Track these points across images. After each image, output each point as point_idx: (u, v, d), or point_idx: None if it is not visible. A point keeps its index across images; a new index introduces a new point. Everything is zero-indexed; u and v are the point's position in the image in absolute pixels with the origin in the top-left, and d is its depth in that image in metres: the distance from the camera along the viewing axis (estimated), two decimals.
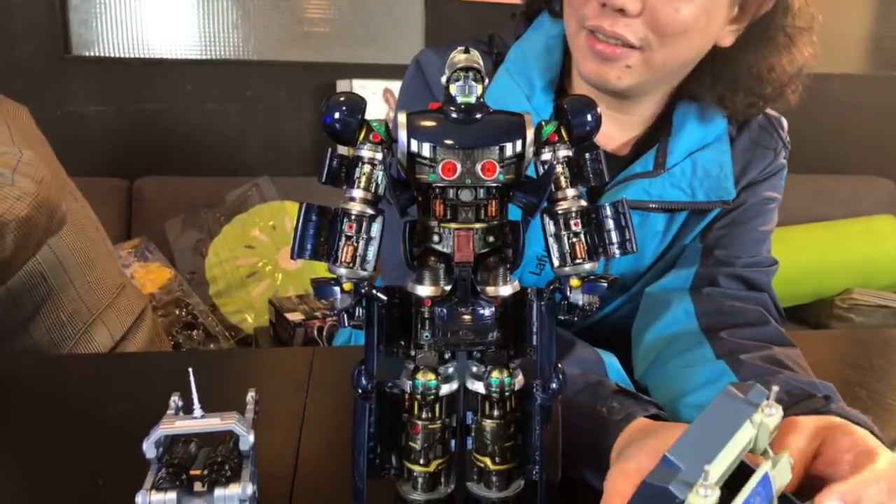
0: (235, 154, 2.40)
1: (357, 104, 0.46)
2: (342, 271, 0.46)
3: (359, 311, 0.47)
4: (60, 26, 2.23)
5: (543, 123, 0.47)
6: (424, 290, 0.47)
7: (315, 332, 1.63)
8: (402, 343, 0.49)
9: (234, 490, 0.47)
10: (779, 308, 0.82)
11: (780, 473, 0.40)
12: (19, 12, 2.21)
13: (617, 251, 0.47)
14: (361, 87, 2.24)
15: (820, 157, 2.49)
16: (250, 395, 0.57)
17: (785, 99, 0.84)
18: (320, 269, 0.52)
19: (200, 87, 2.36)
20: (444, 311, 0.47)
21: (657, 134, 0.85)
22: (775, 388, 0.39)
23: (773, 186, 0.87)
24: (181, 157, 2.33)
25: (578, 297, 0.46)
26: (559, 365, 0.48)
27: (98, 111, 2.29)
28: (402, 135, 0.45)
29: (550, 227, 0.47)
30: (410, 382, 0.48)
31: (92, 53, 2.29)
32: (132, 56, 2.31)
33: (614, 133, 0.86)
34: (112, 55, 2.30)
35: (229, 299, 2.04)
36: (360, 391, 0.49)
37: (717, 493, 0.34)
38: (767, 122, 0.88)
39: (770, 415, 0.39)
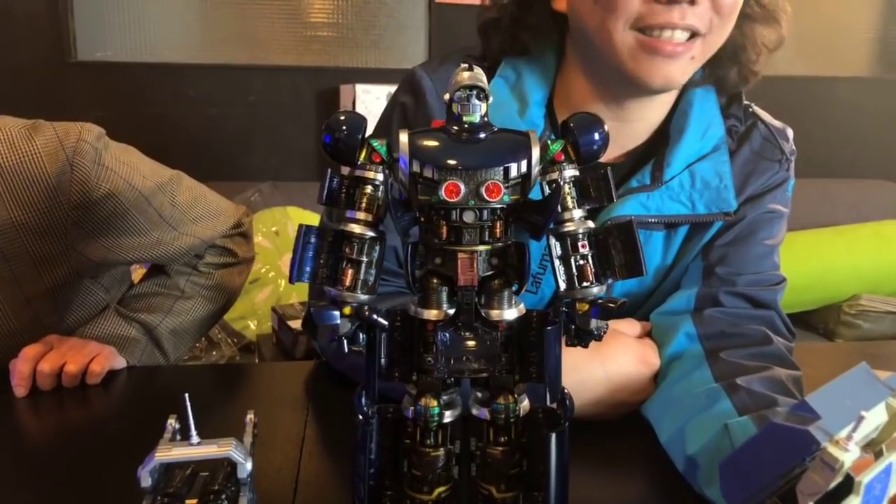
0: (238, 159, 2.39)
1: (358, 123, 0.45)
2: (342, 295, 0.45)
3: (360, 337, 0.45)
4: (64, 31, 2.23)
5: (549, 142, 0.46)
6: (427, 314, 0.46)
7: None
8: (404, 367, 0.48)
9: None
10: (788, 325, 0.80)
11: None
12: (22, 17, 2.21)
13: (626, 273, 0.46)
14: (365, 91, 2.23)
15: (827, 162, 2.47)
16: (249, 418, 0.56)
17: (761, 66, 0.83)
18: None
19: (203, 92, 2.35)
20: (447, 336, 0.46)
21: (655, 146, 0.83)
22: None
23: (778, 199, 0.84)
24: (183, 162, 2.29)
25: (586, 322, 0.45)
26: (566, 390, 0.47)
27: (101, 116, 2.26)
28: (404, 155, 0.44)
29: (557, 249, 0.46)
30: (412, 408, 0.47)
31: (95, 58, 2.28)
32: (135, 61, 2.30)
33: (614, 145, 0.83)
34: (115, 60, 2.29)
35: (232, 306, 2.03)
36: (360, 417, 0.47)
37: (858, 452, 0.34)
38: (770, 133, 0.85)
39: None
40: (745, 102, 0.85)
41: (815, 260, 2.11)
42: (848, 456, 0.34)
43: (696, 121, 0.82)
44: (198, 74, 2.34)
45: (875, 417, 0.38)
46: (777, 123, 0.87)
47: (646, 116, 0.82)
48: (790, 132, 0.87)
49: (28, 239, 0.83)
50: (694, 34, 0.72)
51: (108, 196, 0.86)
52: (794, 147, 0.87)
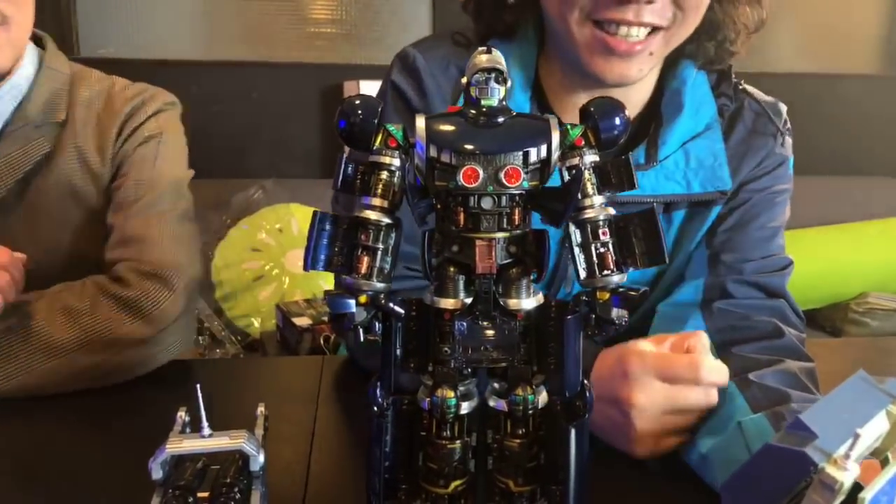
0: (241, 156, 2.38)
1: (373, 108, 0.44)
2: (358, 283, 0.44)
3: (376, 326, 0.44)
4: (66, 28, 2.22)
5: (570, 127, 0.45)
6: (444, 303, 0.45)
7: (322, 341, 1.60)
8: (419, 358, 0.47)
9: None
10: (797, 311, 0.79)
11: None
12: None
13: (647, 262, 0.45)
14: (369, 88, 2.22)
15: (834, 159, 2.45)
16: (260, 410, 0.55)
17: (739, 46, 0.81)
18: (330, 275, 0.50)
19: (206, 89, 2.34)
20: (465, 325, 0.45)
21: (645, 125, 0.81)
22: None
23: (779, 178, 0.83)
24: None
25: (607, 311, 0.44)
26: (586, 382, 0.46)
27: None
28: (421, 140, 0.43)
29: (577, 237, 0.45)
30: (428, 400, 0.46)
31: (97, 55, 2.27)
32: (138, 58, 2.29)
33: None
34: (117, 57, 2.28)
35: (235, 303, 2.02)
36: (375, 409, 0.46)
37: (858, 470, 0.32)
38: (761, 108, 0.84)
39: None
40: (735, 80, 0.84)
41: (822, 258, 2.10)
42: (847, 475, 0.32)
43: (689, 99, 0.80)
44: (201, 71, 2.33)
45: (876, 427, 0.36)
46: (769, 99, 0.86)
47: (629, 97, 0.81)
48: (783, 107, 0.85)
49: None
50: (655, 28, 0.71)
51: (149, 136, 1.02)
52: (788, 121, 0.85)
